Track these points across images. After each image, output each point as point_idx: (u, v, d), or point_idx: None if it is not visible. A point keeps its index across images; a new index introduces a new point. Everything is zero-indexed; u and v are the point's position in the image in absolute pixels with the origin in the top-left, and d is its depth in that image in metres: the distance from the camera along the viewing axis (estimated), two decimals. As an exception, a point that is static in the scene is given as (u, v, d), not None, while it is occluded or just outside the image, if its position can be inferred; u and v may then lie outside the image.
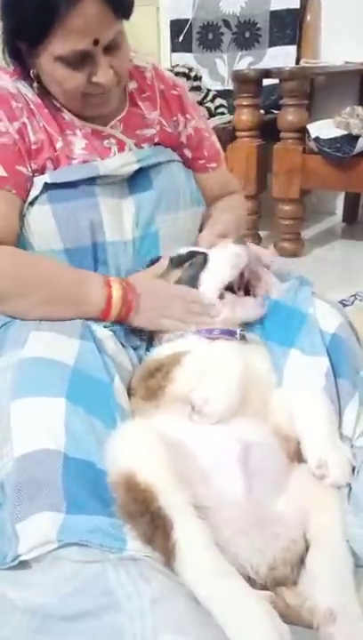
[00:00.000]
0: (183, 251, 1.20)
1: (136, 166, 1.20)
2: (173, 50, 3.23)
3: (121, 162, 1.18)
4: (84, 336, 1.04)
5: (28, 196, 1.14)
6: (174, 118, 1.33)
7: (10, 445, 0.86)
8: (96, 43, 1.03)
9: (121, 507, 0.79)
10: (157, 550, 0.75)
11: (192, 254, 1.17)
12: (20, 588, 0.78)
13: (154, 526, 0.76)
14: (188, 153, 1.36)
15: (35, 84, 1.14)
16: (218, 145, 1.44)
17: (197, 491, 0.81)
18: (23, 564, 0.77)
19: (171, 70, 2.76)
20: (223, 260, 1.13)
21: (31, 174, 1.14)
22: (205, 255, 1.16)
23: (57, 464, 0.82)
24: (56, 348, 0.98)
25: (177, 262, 1.18)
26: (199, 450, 0.88)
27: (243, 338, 1.10)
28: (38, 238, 1.15)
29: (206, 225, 1.34)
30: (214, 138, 1.43)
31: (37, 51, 1.06)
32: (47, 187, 1.13)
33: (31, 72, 1.13)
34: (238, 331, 1.10)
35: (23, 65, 1.14)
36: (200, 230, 1.33)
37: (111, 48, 1.07)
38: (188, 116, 1.35)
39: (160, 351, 1.10)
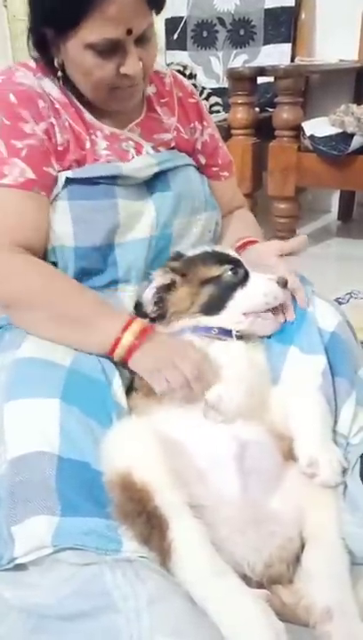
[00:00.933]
0: (222, 250, 1.17)
1: (156, 169, 1.18)
2: (168, 47, 3.22)
3: (142, 164, 1.17)
4: None
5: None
6: (192, 125, 1.32)
7: (3, 447, 0.86)
8: (129, 32, 1.01)
9: (117, 506, 0.79)
10: (154, 550, 0.75)
11: (236, 263, 1.13)
12: (17, 588, 0.78)
13: (150, 526, 0.76)
14: (202, 159, 1.35)
15: (59, 74, 1.11)
16: (230, 156, 1.43)
17: (194, 490, 0.81)
18: (20, 565, 0.78)
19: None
20: (260, 292, 1.09)
21: (56, 174, 1.11)
22: (247, 274, 1.12)
23: (51, 466, 0.82)
24: (52, 349, 0.98)
25: (216, 260, 1.14)
26: (196, 449, 0.88)
27: (240, 338, 1.09)
28: (53, 235, 1.12)
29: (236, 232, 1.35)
30: (226, 148, 1.43)
31: (66, 37, 1.03)
32: (68, 183, 1.11)
33: (55, 61, 1.09)
34: (234, 331, 1.09)
35: (46, 53, 1.10)
36: (214, 235, 1.32)
37: (142, 40, 1.05)
38: (204, 123, 1.35)
39: None
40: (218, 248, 1.20)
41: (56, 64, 1.09)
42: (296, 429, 0.93)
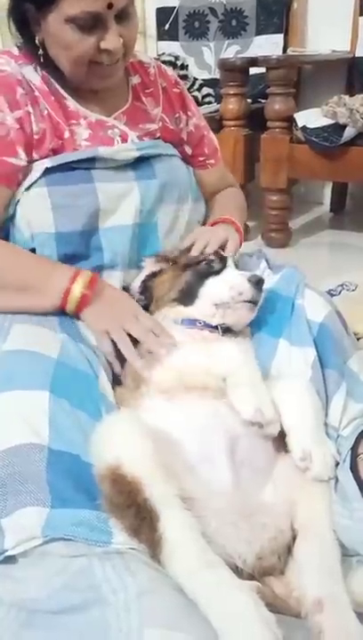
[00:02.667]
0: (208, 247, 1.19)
1: (136, 153, 1.19)
2: (160, 38, 3.20)
3: (121, 147, 1.18)
4: (66, 327, 1.04)
5: (18, 185, 1.13)
6: (176, 115, 1.33)
7: None
8: (110, 6, 1.02)
9: (107, 499, 0.78)
10: (144, 542, 0.75)
11: (220, 256, 1.17)
12: (7, 582, 0.77)
13: (140, 518, 0.75)
14: (188, 150, 1.37)
15: (40, 52, 1.11)
16: (216, 142, 1.44)
17: (184, 482, 0.81)
18: (10, 559, 0.77)
19: (156, 59, 2.74)
20: (227, 285, 1.10)
21: (25, 164, 1.12)
22: (218, 267, 1.14)
23: (41, 458, 0.82)
24: (39, 341, 0.97)
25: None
26: (186, 441, 0.88)
27: (226, 331, 1.09)
28: (32, 221, 1.13)
29: (213, 213, 1.37)
30: (212, 135, 1.44)
31: (47, 12, 1.03)
32: (47, 171, 1.12)
33: (36, 39, 1.10)
34: (219, 324, 1.09)
35: (27, 32, 1.11)
36: (204, 223, 1.34)
37: (122, 17, 1.06)
38: (189, 113, 1.36)
39: None
40: None
41: (37, 42, 1.10)
42: (289, 423, 0.93)
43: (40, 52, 1.11)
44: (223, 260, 1.16)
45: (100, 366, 1.01)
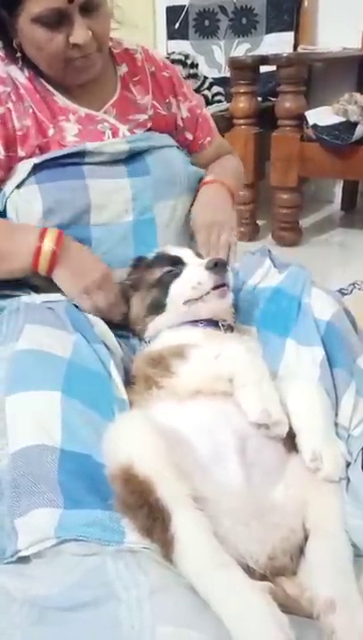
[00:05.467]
0: (167, 252, 1.18)
1: (126, 147, 1.20)
2: (170, 37, 3.20)
3: (112, 144, 1.19)
4: (79, 327, 1.04)
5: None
6: (167, 100, 1.33)
7: (5, 440, 0.86)
8: (71, 0, 1.03)
9: (119, 499, 0.79)
10: (156, 542, 0.75)
11: (175, 262, 1.15)
12: (20, 579, 0.78)
13: (152, 518, 0.75)
14: (189, 136, 1.38)
15: (18, 54, 1.14)
16: (210, 118, 1.46)
17: (196, 482, 0.81)
18: (23, 558, 0.78)
19: (167, 57, 2.74)
20: (187, 284, 1.09)
21: (3, 157, 1.15)
22: (179, 271, 1.12)
23: (53, 459, 0.82)
24: (51, 341, 0.98)
25: (158, 263, 1.16)
26: (197, 441, 0.88)
27: (228, 328, 1.08)
28: (22, 217, 1.15)
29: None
30: (206, 112, 1.45)
31: (17, 15, 1.06)
32: (36, 168, 1.14)
33: (14, 42, 1.13)
34: (221, 322, 1.09)
35: (5, 35, 1.13)
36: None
37: (88, 9, 1.07)
38: (180, 97, 1.35)
39: (160, 341, 1.09)
40: (167, 247, 1.21)
41: (15, 45, 1.13)
42: (298, 423, 0.92)
43: (18, 54, 1.14)
44: (181, 263, 1.14)
45: (114, 366, 1.01)
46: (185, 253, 1.16)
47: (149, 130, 1.28)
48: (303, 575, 0.82)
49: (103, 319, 1.11)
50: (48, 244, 1.08)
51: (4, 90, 1.14)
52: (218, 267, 1.08)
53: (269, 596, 0.71)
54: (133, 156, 1.22)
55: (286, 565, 0.83)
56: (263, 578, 0.79)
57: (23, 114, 1.15)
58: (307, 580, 0.80)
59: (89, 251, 1.16)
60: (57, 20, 1.05)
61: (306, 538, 0.85)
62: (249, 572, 0.77)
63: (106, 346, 1.04)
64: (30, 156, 1.16)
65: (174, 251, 1.18)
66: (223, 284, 1.08)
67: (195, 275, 1.09)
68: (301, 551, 0.85)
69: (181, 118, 1.36)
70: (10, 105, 1.14)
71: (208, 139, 1.42)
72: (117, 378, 0.99)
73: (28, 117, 1.15)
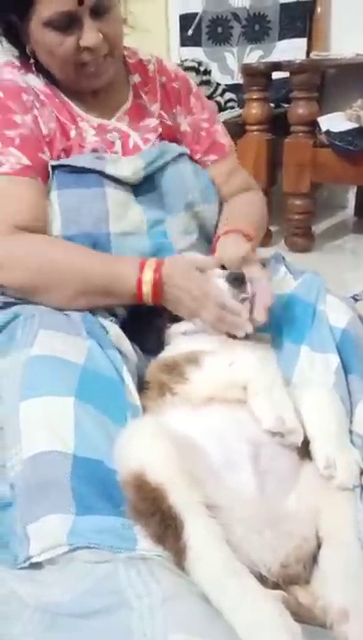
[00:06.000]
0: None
1: (143, 173, 1.20)
2: (183, 44, 3.22)
3: (131, 170, 1.18)
4: (93, 334, 1.04)
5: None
6: (174, 111, 1.33)
7: (19, 446, 0.86)
8: (81, 3, 1.04)
9: (131, 506, 0.79)
10: (168, 550, 0.75)
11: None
12: (32, 585, 0.78)
13: (164, 525, 0.75)
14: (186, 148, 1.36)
15: (31, 61, 1.15)
16: (219, 136, 1.39)
17: (208, 489, 0.80)
18: (35, 564, 0.78)
19: (180, 65, 2.75)
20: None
21: (49, 160, 1.16)
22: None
23: (66, 465, 0.82)
24: (65, 347, 0.98)
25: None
26: (210, 448, 0.87)
27: (246, 336, 1.08)
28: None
29: (224, 221, 1.31)
30: (219, 129, 1.39)
31: (28, 20, 1.07)
32: (56, 173, 1.15)
33: (27, 49, 1.14)
34: None
35: (19, 44, 1.15)
36: (215, 227, 1.32)
37: (99, 12, 1.08)
38: (184, 109, 1.34)
39: (175, 347, 1.09)
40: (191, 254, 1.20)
41: (28, 51, 1.14)
42: (312, 430, 0.92)
43: (32, 60, 1.15)
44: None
45: (128, 372, 1.00)
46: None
47: (160, 135, 1.28)
48: (316, 584, 0.81)
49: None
50: (148, 274, 1.07)
51: (28, 98, 1.15)
52: (237, 280, 1.07)
53: (281, 604, 0.71)
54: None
55: (299, 574, 0.82)
56: (276, 586, 0.79)
57: (48, 118, 1.16)
58: (320, 588, 0.80)
59: (192, 268, 1.10)
60: (67, 24, 1.06)
61: (319, 546, 0.85)
62: (262, 580, 0.76)
63: (120, 352, 1.04)
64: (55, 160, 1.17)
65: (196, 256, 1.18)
66: (244, 299, 1.07)
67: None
68: (314, 559, 0.84)
69: (180, 131, 1.34)
70: (36, 111, 1.15)
71: (212, 157, 1.36)
72: (131, 384, 0.99)
73: (53, 121, 1.17)
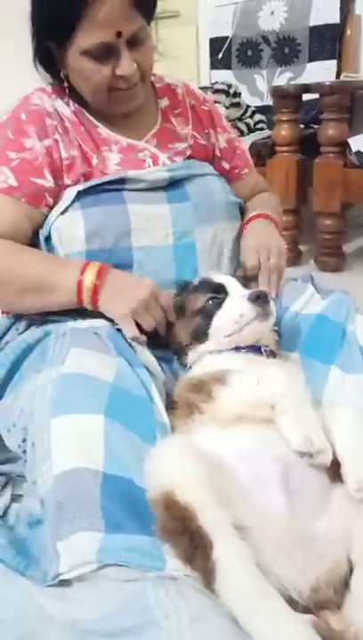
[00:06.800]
0: (210, 279, 1.17)
1: (166, 174, 1.23)
2: (213, 67, 3.26)
3: (150, 170, 1.23)
4: (122, 352, 1.05)
5: (46, 205, 1.20)
6: (206, 131, 1.38)
7: (49, 463, 0.87)
8: (119, 35, 1.09)
9: (160, 525, 0.78)
10: (197, 570, 0.74)
11: (218, 290, 1.13)
12: (61, 603, 0.78)
13: (193, 546, 0.75)
14: (225, 165, 1.41)
15: (65, 84, 1.21)
16: (246, 150, 1.52)
17: (238, 510, 0.80)
18: (64, 581, 0.78)
19: (210, 87, 2.79)
20: (230, 318, 1.08)
21: (52, 185, 1.19)
22: (221, 300, 1.11)
23: (95, 483, 0.82)
24: (96, 365, 0.99)
25: (202, 290, 1.15)
26: (239, 468, 0.87)
27: (271, 354, 1.08)
28: (65, 242, 1.19)
29: (249, 212, 1.40)
30: (243, 144, 1.49)
31: (66, 48, 1.12)
32: (79, 195, 1.18)
33: (61, 73, 1.20)
34: (263, 347, 1.08)
35: (54, 68, 1.21)
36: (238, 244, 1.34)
37: (135, 43, 1.13)
38: (219, 129, 1.41)
39: (202, 366, 1.09)
40: (212, 274, 1.20)
41: (62, 76, 1.20)
42: (343, 452, 0.90)
43: (65, 84, 1.21)
44: (223, 291, 1.13)
45: (156, 390, 1.01)
46: (228, 281, 1.15)
47: (189, 158, 1.31)
48: (349, 609, 0.79)
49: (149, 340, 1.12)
50: (89, 278, 1.10)
51: (51, 123, 1.20)
52: (260, 299, 1.07)
53: (312, 629, 0.70)
54: (173, 184, 1.25)
55: (330, 598, 0.80)
56: (307, 610, 0.77)
57: (69, 145, 1.20)
58: (352, 614, 0.78)
59: (131, 275, 1.17)
60: (105, 53, 1.11)
61: (351, 570, 0.83)
62: (292, 604, 0.75)
63: (148, 370, 1.05)
64: (75, 184, 1.20)
65: (218, 278, 1.17)
66: (265, 314, 1.07)
67: (237, 307, 1.08)
68: (345, 584, 0.82)
69: (219, 148, 1.40)
70: (57, 136, 1.19)
71: (245, 170, 1.46)
72: (159, 402, 1.00)
73: (74, 148, 1.20)
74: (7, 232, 1.16)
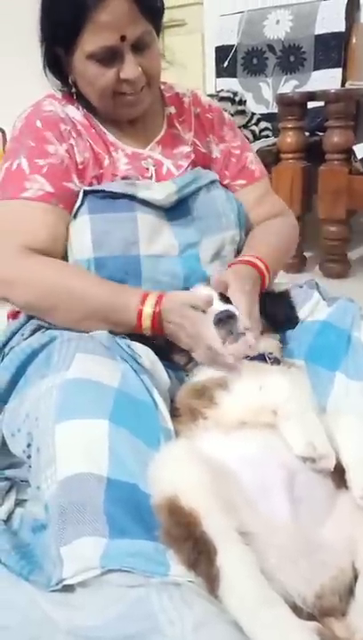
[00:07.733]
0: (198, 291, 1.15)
1: (175, 197, 1.21)
2: (218, 75, 3.27)
3: (163, 194, 1.20)
4: (126, 358, 1.05)
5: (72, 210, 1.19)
6: (207, 139, 1.37)
7: (54, 468, 0.87)
8: (123, 39, 1.09)
9: (164, 530, 0.78)
10: (201, 576, 0.74)
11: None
12: (65, 609, 0.78)
13: (197, 551, 0.75)
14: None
15: (73, 90, 1.22)
16: (253, 164, 1.40)
17: (243, 516, 0.80)
18: (68, 587, 0.78)
19: (216, 95, 2.81)
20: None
21: (78, 189, 1.19)
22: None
23: (100, 488, 0.82)
24: (101, 371, 0.99)
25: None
26: (244, 475, 0.87)
27: (275, 361, 1.07)
28: (74, 247, 1.18)
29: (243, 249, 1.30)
30: (250, 156, 1.40)
31: (73, 52, 1.13)
32: (87, 197, 1.17)
33: (69, 79, 1.21)
34: (267, 354, 1.08)
35: (62, 74, 1.22)
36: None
37: (140, 47, 1.13)
38: (216, 138, 1.38)
39: (204, 373, 1.09)
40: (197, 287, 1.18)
41: (70, 81, 1.21)
42: (348, 459, 0.90)
43: (73, 89, 1.22)
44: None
45: (161, 397, 1.01)
46: (209, 296, 1.10)
47: (193, 162, 1.31)
48: (353, 616, 0.79)
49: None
50: (148, 309, 1.08)
51: (65, 128, 1.20)
52: (223, 321, 1.03)
53: (316, 636, 0.69)
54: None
55: (335, 605, 0.80)
56: (311, 618, 0.77)
57: (83, 148, 1.21)
58: (357, 621, 0.78)
59: (194, 314, 1.08)
60: (109, 57, 1.11)
61: (356, 577, 0.83)
62: (296, 611, 0.75)
63: (153, 376, 1.05)
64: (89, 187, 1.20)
65: (202, 290, 1.15)
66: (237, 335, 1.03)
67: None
68: (350, 591, 0.82)
69: (211, 158, 1.38)
70: (72, 141, 1.20)
71: (240, 181, 1.37)
72: (164, 408, 1.00)
73: (88, 150, 1.21)
74: (47, 246, 1.14)
